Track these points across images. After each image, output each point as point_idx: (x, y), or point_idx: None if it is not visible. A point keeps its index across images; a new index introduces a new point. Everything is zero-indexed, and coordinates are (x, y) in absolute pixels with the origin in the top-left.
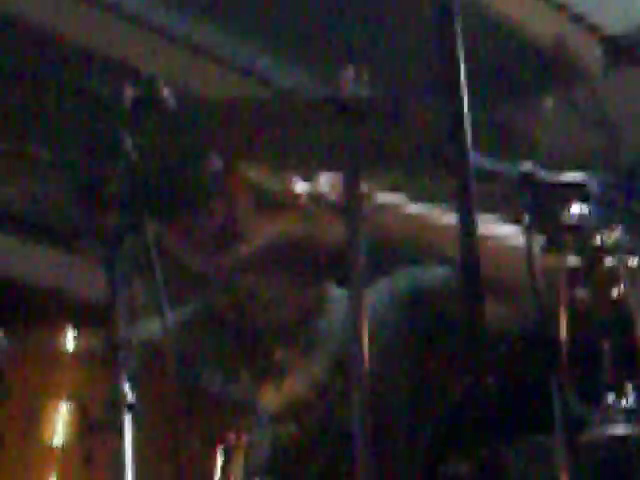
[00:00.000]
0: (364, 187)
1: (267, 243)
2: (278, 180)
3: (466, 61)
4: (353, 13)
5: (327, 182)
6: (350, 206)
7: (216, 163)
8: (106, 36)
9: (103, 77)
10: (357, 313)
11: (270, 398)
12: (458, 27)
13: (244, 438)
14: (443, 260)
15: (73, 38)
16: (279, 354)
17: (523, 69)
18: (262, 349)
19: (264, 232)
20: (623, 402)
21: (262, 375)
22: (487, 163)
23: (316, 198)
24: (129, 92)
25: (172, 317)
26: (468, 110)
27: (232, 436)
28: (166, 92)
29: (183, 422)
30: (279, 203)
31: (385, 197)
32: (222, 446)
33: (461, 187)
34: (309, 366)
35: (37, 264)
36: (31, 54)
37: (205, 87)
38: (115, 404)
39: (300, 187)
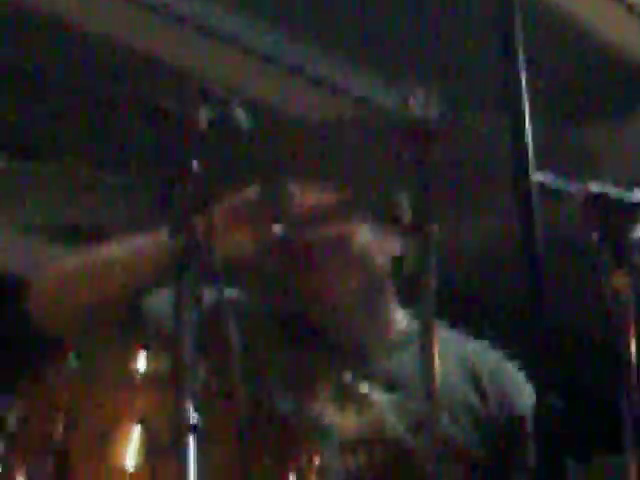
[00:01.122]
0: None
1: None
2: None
3: (543, 76)
4: (421, 30)
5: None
6: (420, 230)
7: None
8: (183, 52)
9: (179, 96)
10: (428, 349)
11: (348, 425)
12: (520, 43)
13: (316, 461)
14: None
15: (149, 55)
16: (359, 381)
17: (607, 85)
18: (340, 372)
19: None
20: None
21: (341, 400)
22: (554, 182)
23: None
24: (204, 113)
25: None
26: (536, 127)
27: (304, 459)
28: (240, 113)
29: (253, 444)
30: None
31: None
32: (293, 469)
33: (523, 205)
34: (385, 397)
35: None
36: (107, 73)
37: (281, 102)
38: (180, 426)
39: None
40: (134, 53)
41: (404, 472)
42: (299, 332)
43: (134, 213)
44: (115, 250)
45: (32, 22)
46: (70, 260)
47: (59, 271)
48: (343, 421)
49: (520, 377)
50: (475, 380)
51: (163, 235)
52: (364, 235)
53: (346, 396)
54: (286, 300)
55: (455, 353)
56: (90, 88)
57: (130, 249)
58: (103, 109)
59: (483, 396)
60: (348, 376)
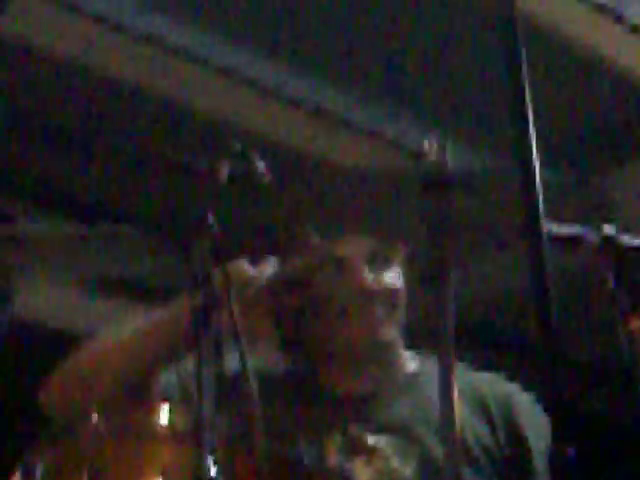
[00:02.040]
0: None
1: None
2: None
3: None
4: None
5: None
6: (437, 277)
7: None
8: (205, 100)
9: (201, 151)
10: (447, 389)
11: (360, 476)
12: (526, 84)
13: None
14: None
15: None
16: (366, 430)
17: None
18: (348, 424)
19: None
20: None
21: (351, 451)
22: (565, 228)
23: None
24: (225, 167)
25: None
26: (544, 174)
27: None
28: (260, 166)
29: None
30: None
31: None
32: None
33: (534, 251)
34: (390, 442)
35: None
36: (133, 126)
37: (303, 145)
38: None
39: None
40: (157, 105)
41: None
42: (308, 389)
43: (164, 268)
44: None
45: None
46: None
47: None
48: (355, 473)
49: (534, 409)
50: (484, 410)
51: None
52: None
53: (355, 448)
54: (296, 360)
55: (464, 383)
56: (116, 145)
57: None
58: (130, 164)
59: (492, 426)
60: (355, 427)
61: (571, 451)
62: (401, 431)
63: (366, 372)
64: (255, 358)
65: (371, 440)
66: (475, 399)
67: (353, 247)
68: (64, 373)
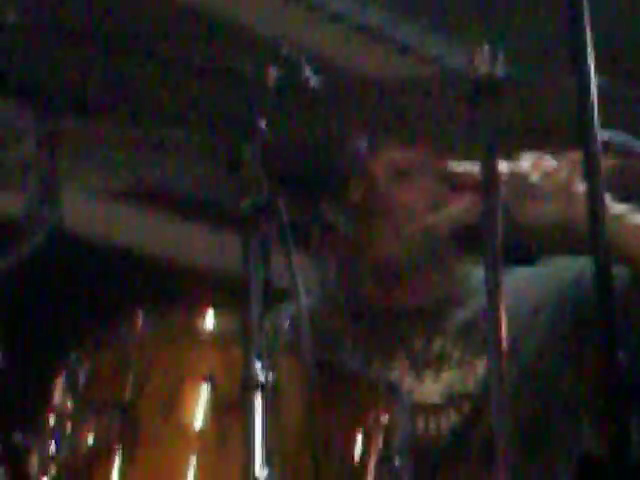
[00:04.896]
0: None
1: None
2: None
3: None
4: None
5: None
6: (487, 186)
7: (359, 144)
8: (251, 12)
9: (247, 57)
10: (495, 300)
11: (428, 387)
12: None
13: (384, 419)
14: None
15: (217, 15)
16: (435, 342)
17: None
18: (413, 338)
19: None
20: None
21: (417, 367)
22: (619, 138)
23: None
24: (272, 72)
25: (312, 297)
26: (599, 84)
27: (371, 417)
28: (308, 72)
29: (321, 402)
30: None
31: None
32: (361, 427)
33: (588, 162)
34: (465, 357)
35: (178, 243)
36: (176, 34)
37: (348, 61)
38: (247, 385)
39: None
40: (201, 13)
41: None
42: (370, 302)
43: (202, 174)
44: None
45: None
46: None
47: None
48: (422, 387)
49: None
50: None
51: None
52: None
53: (423, 360)
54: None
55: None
56: (159, 49)
57: None
58: (173, 70)
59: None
60: (420, 341)
61: (622, 356)
62: (470, 338)
63: (426, 284)
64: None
65: (437, 348)
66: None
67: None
68: None
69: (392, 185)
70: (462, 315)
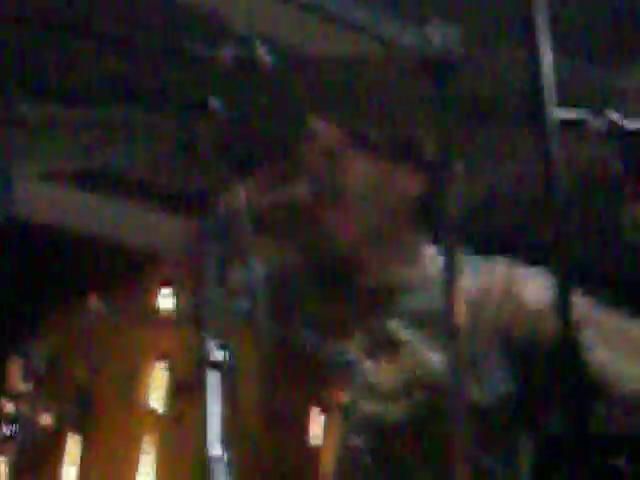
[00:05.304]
0: None
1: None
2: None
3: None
4: None
5: None
6: (440, 166)
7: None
8: None
9: (201, 37)
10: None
11: (386, 374)
12: None
13: (341, 398)
14: None
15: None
16: (391, 324)
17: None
18: (372, 318)
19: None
20: None
21: (376, 348)
22: (576, 115)
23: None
24: (226, 52)
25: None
26: (554, 61)
27: (330, 394)
28: (262, 51)
29: (278, 379)
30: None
31: None
32: (319, 405)
33: (542, 138)
34: (420, 344)
35: (130, 224)
36: (130, 15)
37: (300, 39)
38: (202, 363)
39: None
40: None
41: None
42: (328, 280)
43: (156, 155)
44: None
45: None
46: None
47: None
48: (380, 369)
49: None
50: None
51: None
52: (379, 171)
53: (382, 344)
54: (312, 249)
55: (490, 276)
56: (113, 30)
57: None
58: (126, 51)
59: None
60: (380, 322)
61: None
62: (433, 324)
63: (382, 265)
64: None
65: (403, 336)
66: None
67: None
68: None
69: (332, 170)
70: (421, 300)
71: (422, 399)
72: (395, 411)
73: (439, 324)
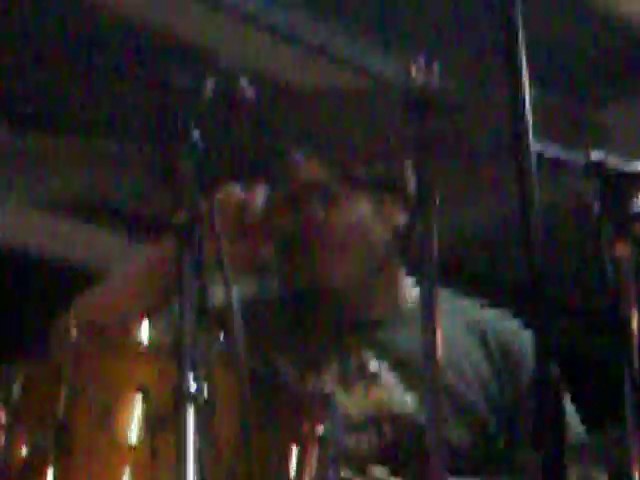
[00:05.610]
0: None
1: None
2: None
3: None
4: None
5: None
6: (421, 200)
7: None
8: (188, 24)
9: (184, 68)
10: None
11: (357, 405)
12: (520, 12)
13: (318, 431)
14: None
15: (155, 28)
16: (368, 358)
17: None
18: (349, 351)
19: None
20: None
21: (349, 380)
22: (553, 151)
23: None
24: (209, 84)
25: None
26: (534, 97)
27: (307, 427)
28: (245, 84)
29: (256, 413)
30: None
31: None
32: (296, 438)
33: (521, 175)
34: (394, 373)
35: (112, 254)
36: (113, 46)
37: (282, 72)
38: (180, 396)
39: None
40: (140, 25)
41: (414, 448)
42: (308, 312)
43: (139, 186)
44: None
45: None
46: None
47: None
48: (351, 401)
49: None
50: (484, 343)
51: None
52: (363, 205)
53: (354, 376)
54: (293, 280)
55: (465, 317)
56: (96, 60)
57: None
58: (108, 81)
59: (490, 357)
60: (357, 355)
61: (555, 370)
62: (407, 361)
63: (368, 299)
64: (249, 284)
65: (374, 368)
66: (476, 330)
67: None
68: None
69: (321, 209)
70: (404, 340)
71: (390, 431)
72: (366, 442)
73: (416, 358)
